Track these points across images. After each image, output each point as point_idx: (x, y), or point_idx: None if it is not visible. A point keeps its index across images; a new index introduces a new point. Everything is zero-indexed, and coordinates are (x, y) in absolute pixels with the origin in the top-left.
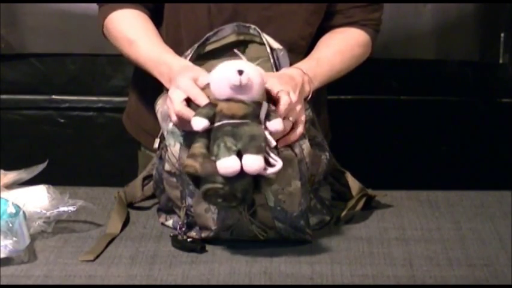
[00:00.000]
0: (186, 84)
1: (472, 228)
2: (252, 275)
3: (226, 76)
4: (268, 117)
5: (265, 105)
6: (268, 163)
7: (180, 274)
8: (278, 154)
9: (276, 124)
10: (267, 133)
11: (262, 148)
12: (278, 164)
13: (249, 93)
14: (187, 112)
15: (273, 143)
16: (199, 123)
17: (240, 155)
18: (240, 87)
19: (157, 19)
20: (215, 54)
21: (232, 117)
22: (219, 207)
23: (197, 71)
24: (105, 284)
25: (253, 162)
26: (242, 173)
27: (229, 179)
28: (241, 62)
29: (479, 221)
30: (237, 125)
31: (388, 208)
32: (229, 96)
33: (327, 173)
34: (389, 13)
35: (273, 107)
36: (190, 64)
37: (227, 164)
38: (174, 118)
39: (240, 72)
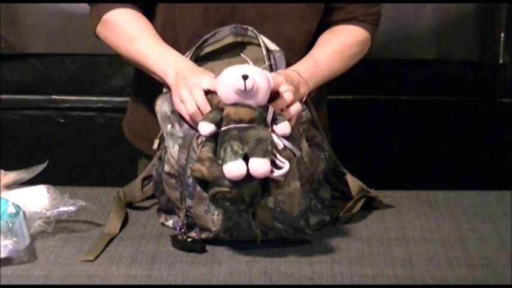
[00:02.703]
0: (208, 79)
1: (472, 228)
2: (252, 275)
3: (232, 81)
4: (275, 120)
5: (271, 109)
6: (275, 165)
7: (180, 274)
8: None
9: (283, 127)
10: (274, 136)
11: (268, 151)
12: (285, 166)
13: (255, 98)
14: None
15: (281, 145)
16: (206, 129)
17: (247, 158)
18: (245, 92)
19: (148, 18)
20: (213, 56)
21: (239, 121)
22: (225, 210)
23: (203, 72)
24: (105, 284)
25: (259, 166)
26: (249, 176)
27: (236, 183)
28: (247, 67)
29: (479, 221)
30: (244, 129)
31: (388, 208)
32: (236, 101)
33: (328, 173)
34: (389, 13)
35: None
36: (195, 65)
37: (233, 168)
38: (192, 108)
39: (245, 77)
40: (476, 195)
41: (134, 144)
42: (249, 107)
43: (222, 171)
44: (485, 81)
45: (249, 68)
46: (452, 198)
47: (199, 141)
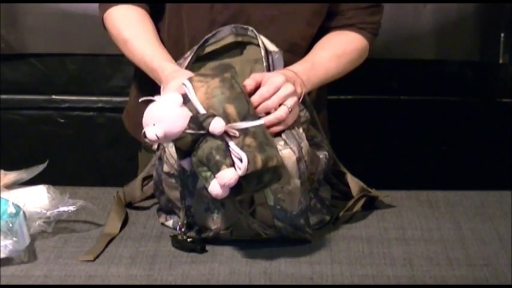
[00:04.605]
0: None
1: (472, 228)
2: (252, 275)
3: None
4: (203, 122)
5: (189, 119)
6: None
7: (180, 274)
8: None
9: (214, 126)
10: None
11: (219, 162)
12: (243, 158)
13: (171, 135)
14: None
15: (236, 133)
16: (185, 166)
17: None
18: (160, 140)
19: (157, 14)
20: (213, 56)
21: (189, 149)
22: (226, 209)
23: (185, 76)
24: (105, 284)
25: (222, 179)
26: (231, 188)
27: (235, 191)
28: (145, 118)
29: (479, 221)
30: (195, 153)
31: (388, 208)
32: (167, 142)
33: (328, 173)
34: (389, 13)
35: None
36: (180, 69)
37: (213, 192)
38: None
39: (144, 136)
40: (476, 195)
41: (135, 136)
42: (182, 137)
43: None
44: (485, 81)
45: (152, 112)
46: (452, 198)
47: None
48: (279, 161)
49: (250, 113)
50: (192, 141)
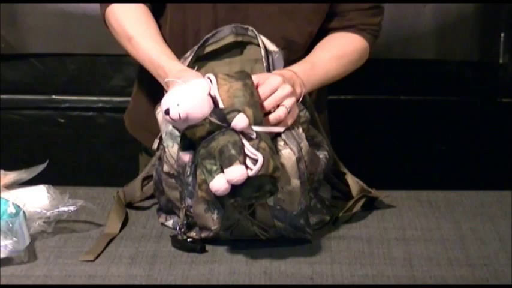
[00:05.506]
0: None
1: (472, 228)
2: (252, 275)
3: (163, 114)
4: (227, 115)
5: (213, 111)
6: (253, 160)
7: (180, 274)
8: (258, 148)
9: (238, 122)
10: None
11: (233, 156)
12: (259, 158)
13: (193, 119)
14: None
15: (253, 135)
16: (183, 157)
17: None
18: (179, 122)
19: (157, 10)
20: (214, 56)
21: (200, 139)
22: (225, 209)
23: (192, 75)
24: (105, 284)
25: (231, 175)
26: (236, 184)
27: (234, 193)
28: (170, 96)
29: (479, 221)
30: (208, 144)
31: (388, 208)
32: (182, 126)
33: (328, 173)
34: (389, 13)
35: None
36: (186, 68)
37: (215, 187)
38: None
39: (167, 112)
40: (476, 195)
41: (135, 136)
42: (200, 124)
43: None
44: (485, 81)
45: (179, 93)
46: (452, 198)
47: None
48: (281, 175)
49: (263, 123)
50: (208, 132)
